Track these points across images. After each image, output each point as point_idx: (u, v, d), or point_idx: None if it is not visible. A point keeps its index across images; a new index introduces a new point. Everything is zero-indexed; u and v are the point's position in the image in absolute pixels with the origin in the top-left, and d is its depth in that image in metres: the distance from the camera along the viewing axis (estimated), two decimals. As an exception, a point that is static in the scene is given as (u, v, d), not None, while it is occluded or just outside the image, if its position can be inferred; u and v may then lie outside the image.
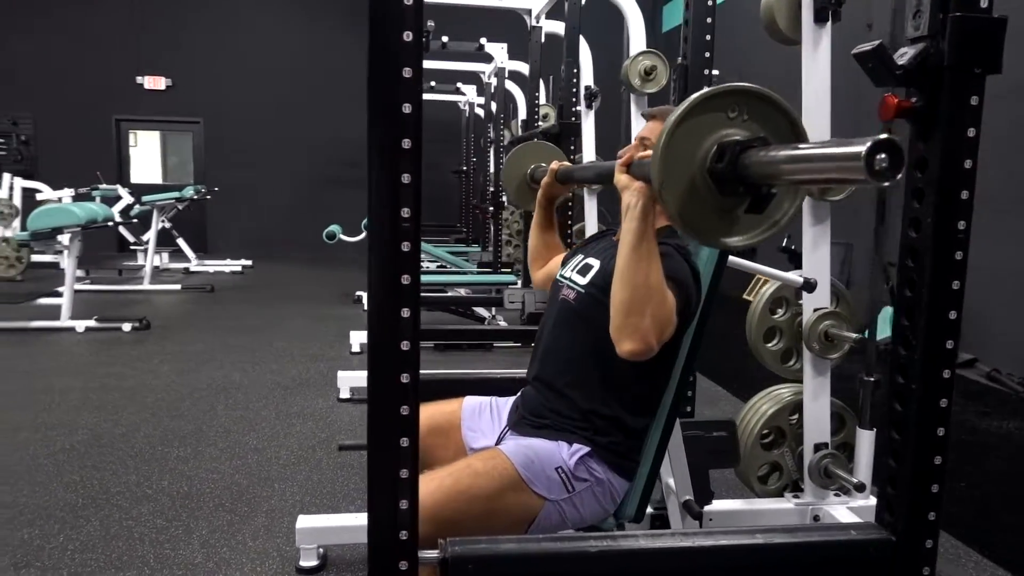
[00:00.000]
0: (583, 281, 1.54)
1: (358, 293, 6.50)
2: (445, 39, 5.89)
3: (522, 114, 6.76)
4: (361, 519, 2.06)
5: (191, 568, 2.07)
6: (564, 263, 1.69)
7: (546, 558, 1.11)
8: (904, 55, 1.09)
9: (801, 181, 0.91)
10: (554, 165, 1.80)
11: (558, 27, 4.56)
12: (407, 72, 0.98)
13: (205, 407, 3.49)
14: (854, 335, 2.18)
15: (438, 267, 6.95)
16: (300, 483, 2.65)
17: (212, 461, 2.84)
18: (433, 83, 7.43)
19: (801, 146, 0.90)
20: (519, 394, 1.66)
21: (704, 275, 1.50)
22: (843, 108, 2.39)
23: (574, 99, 3.72)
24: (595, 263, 1.55)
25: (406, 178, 1.00)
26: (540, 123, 4.84)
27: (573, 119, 3.70)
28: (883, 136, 0.77)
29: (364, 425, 2.86)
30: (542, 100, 6.40)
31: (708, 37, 2.07)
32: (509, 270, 6.34)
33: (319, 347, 4.81)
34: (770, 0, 2.20)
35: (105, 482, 2.63)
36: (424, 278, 6.58)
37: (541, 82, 5.76)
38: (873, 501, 2.31)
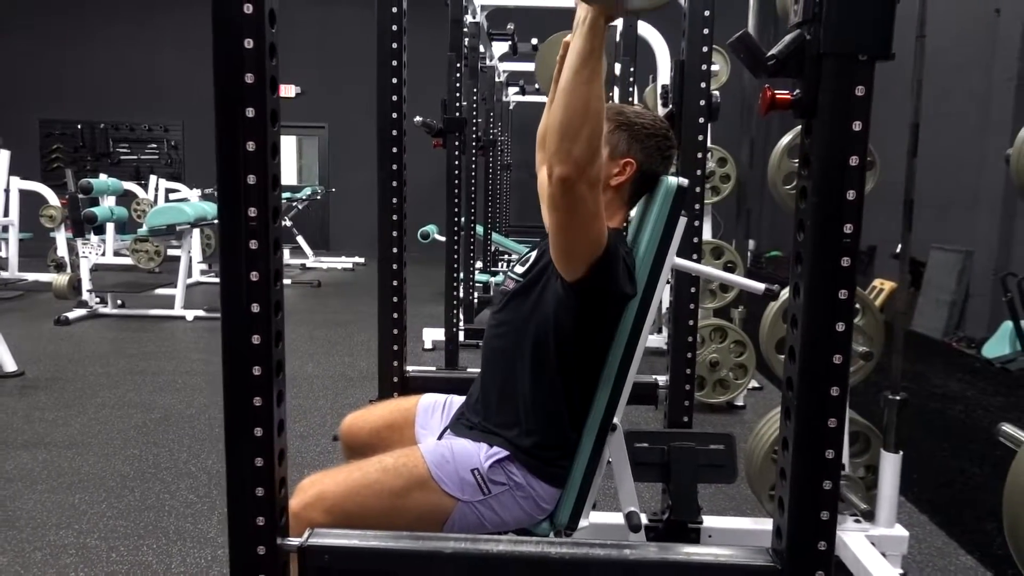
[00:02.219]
0: (521, 271, 1.53)
1: (449, 291, 6.66)
2: (535, 41, 5.92)
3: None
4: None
5: (203, 541, 2.23)
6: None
7: (401, 555, 1.12)
8: (781, 43, 1.01)
9: None
10: (567, 38, 1.73)
11: (646, 29, 4.47)
12: (249, 78, 1.01)
13: (270, 394, 3.72)
14: (863, 349, 2.01)
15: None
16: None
17: (257, 445, 3.02)
18: (523, 83, 7.46)
19: None
20: (469, 392, 1.67)
21: (639, 276, 1.44)
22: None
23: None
24: (534, 253, 1.54)
25: (251, 179, 1.03)
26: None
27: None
28: None
29: None
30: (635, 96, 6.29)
31: (706, 31, 1.97)
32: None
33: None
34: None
35: (159, 457, 2.87)
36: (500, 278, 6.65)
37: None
38: (900, 532, 2.12)
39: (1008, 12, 5.09)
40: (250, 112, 1.02)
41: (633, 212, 1.59)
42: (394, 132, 2.02)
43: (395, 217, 2.05)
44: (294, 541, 1.13)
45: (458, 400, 1.71)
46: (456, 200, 3.68)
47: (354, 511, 1.34)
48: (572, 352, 1.44)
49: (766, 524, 2.15)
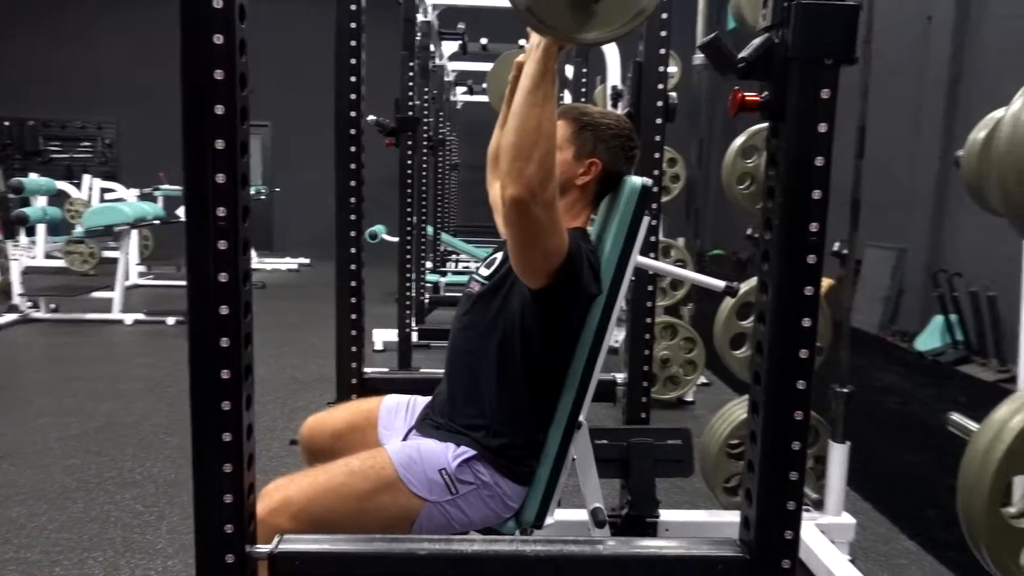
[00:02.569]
0: (486, 273, 1.53)
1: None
2: (484, 41, 5.92)
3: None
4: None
5: (152, 553, 2.16)
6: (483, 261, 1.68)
7: (375, 558, 1.11)
8: (751, 46, 1.04)
9: None
10: (519, 58, 1.73)
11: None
12: (218, 74, 0.99)
13: (218, 399, 3.63)
14: (818, 345, 2.07)
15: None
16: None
17: (206, 451, 2.94)
18: (471, 83, 7.45)
19: None
20: (434, 392, 1.66)
21: (604, 275, 1.46)
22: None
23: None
24: (499, 256, 1.54)
25: (220, 178, 1.01)
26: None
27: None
28: None
29: None
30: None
31: (664, 33, 2.00)
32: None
33: (346, 344, 4.91)
34: (737, -6, 2.13)
35: (102, 467, 2.77)
36: (460, 278, 6.62)
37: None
38: (847, 520, 2.19)
39: (939, 19, 5.32)
40: (219, 109, 1.00)
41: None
42: (352, 131, 1.99)
43: (353, 217, 2.02)
44: (263, 548, 1.10)
45: (422, 401, 1.70)
46: (409, 200, 3.65)
47: (321, 515, 1.32)
48: (539, 353, 1.44)
49: (721, 516, 2.22)
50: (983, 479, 1.03)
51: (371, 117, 3.28)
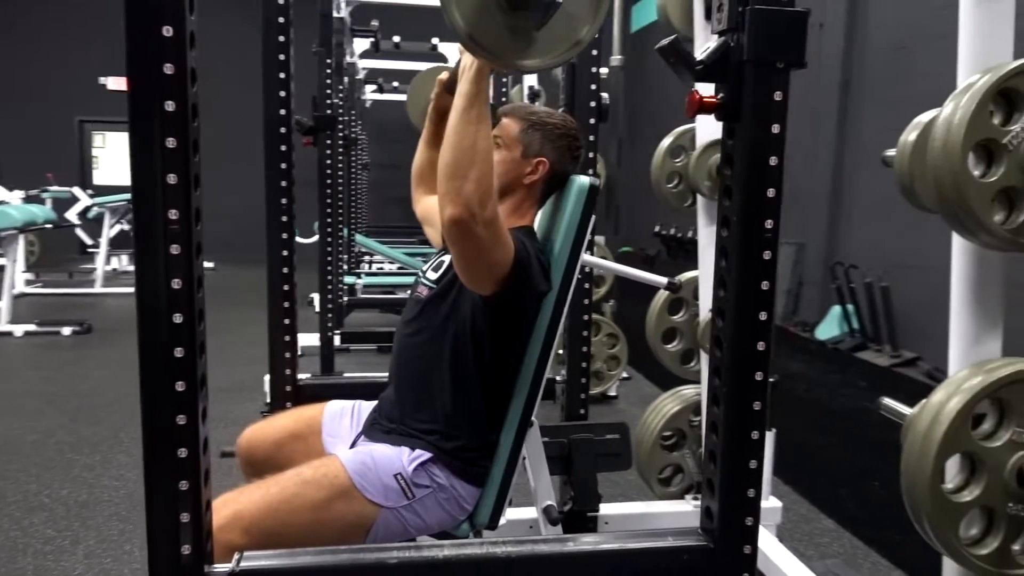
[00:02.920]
0: (434, 277, 1.51)
1: (311, 295, 6.42)
2: (397, 39, 5.84)
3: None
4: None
5: (70, 580, 2.02)
6: (426, 262, 1.65)
7: (343, 570, 1.07)
8: (707, 49, 1.07)
9: None
10: (441, 76, 1.72)
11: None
12: (168, 68, 0.93)
13: (126, 413, 3.43)
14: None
15: (398, 268, 6.92)
16: (214, 489, 2.59)
17: (119, 468, 2.78)
18: (382, 81, 7.35)
19: None
20: (380, 397, 1.63)
21: (555, 272, 1.47)
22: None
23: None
24: (447, 258, 1.52)
25: (171, 179, 0.95)
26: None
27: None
28: None
29: None
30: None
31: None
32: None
33: (261, 350, 4.74)
34: (663, -2, 2.18)
35: (4, 490, 2.57)
36: (376, 279, 6.53)
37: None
38: (774, 503, 2.29)
39: (830, 26, 5.64)
40: (170, 106, 0.94)
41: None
42: (282, 129, 1.92)
43: (284, 219, 1.95)
44: (222, 568, 1.05)
45: (367, 406, 1.66)
46: (328, 201, 3.56)
47: (274, 528, 1.27)
48: (491, 355, 1.44)
49: (657, 507, 2.28)
50: (925, 460, 1.09)
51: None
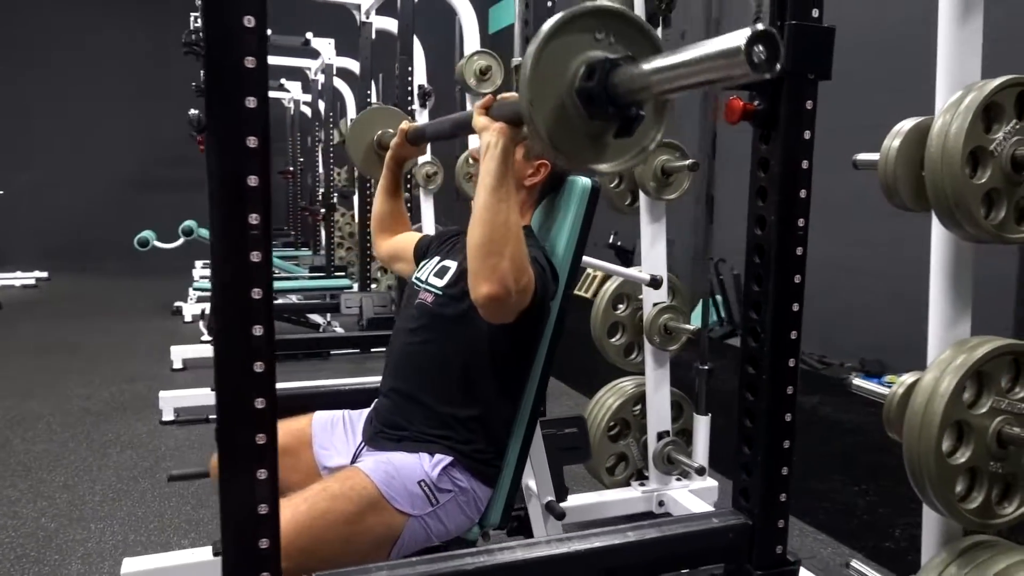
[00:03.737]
0: (441, 283, 1.49)
1: (176, 304, 5.99)
2: (268, 32, 5.57)
3: (351, 112, 6.57)
4: (199, 555, 1.89)
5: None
6: (419, 266, 1.62)
7: (421, 582, 1.05)
8: (752, 55, 1.14)
9: (676, 89, 0.90)
10: (403, 125, 1.73)
11: (388, 23, 4.47)
12: (250, 62, 0.87)
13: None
14: (691, 327, 2.29)
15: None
16: (122, 520, 2.37)
17: (11, 505, 2.47)
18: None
19: (671, 53, 0.87)
20: (372, 406, 1.58)
21: (560, 273, 1.50)
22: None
23: (409, 98, 3.64)
24: (452, 264, 1.50)
25: (252, 180, 0.89)
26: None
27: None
28: (759, 27, 0.77)
29: (194, 449, 2.68)
30: (372, 99, 6.26)
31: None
32: (343, 274, 6.14)
33: (135, 365, 4.38)
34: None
35: None
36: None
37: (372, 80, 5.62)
38: (711, 483, 2.45)
39: (692, 34, 6.04)
40: (251, 102, 0.88)
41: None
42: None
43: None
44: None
45: (357, 415, 1.61)
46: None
47: (308, 546, 1.21)
48: (506, 360, 1.44)
49: (609, 496, 2.36)
50: (927, 432, 1.23)
51: (193, 111, 2.99)
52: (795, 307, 1.20)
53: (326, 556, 1.22)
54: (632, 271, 2.15)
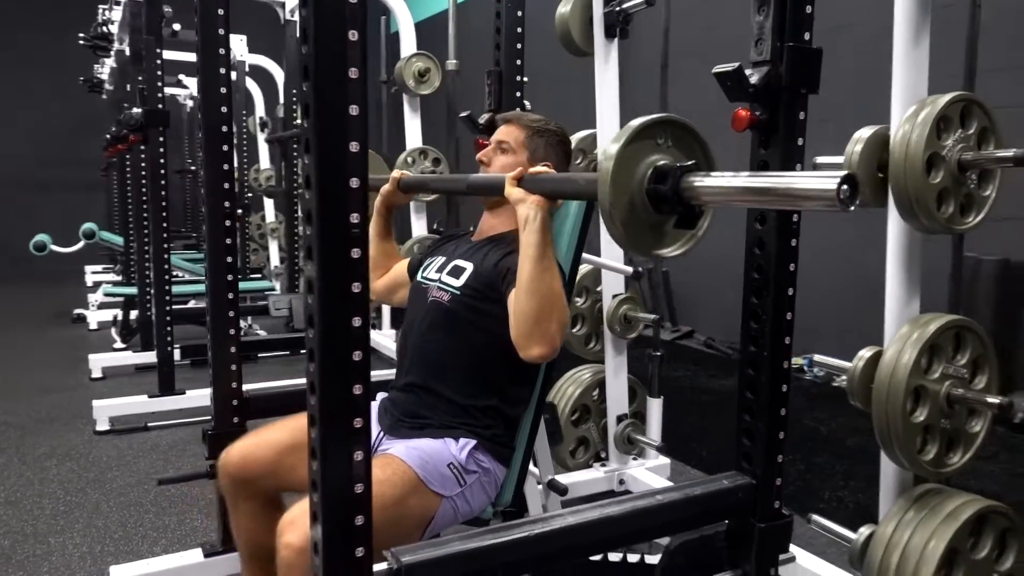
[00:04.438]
0: (458, 283, 1.56)
1: (77, 311, 5.67)
2: (177, 27, 5.38)
3: (260, 111, 6.41)
4: (189, 558, 1.88)
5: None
6: (425, 266, 1.69)
7: (493, 550, 1.14)
8: (753, 76, 1.30)
9: (757, 206, 1.02)
10: (396, 174, 1.80)
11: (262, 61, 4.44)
12: (353, 73, 0.94)
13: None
14: (650, 316, 2.47)
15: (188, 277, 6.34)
16: (82, 532, 2.29)
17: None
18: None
19: (759, 177, 0.99)
20: (381, 401, 1.65)
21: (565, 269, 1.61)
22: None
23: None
24: (467, 265, 1.58)
25: (354, 183, 0.96)
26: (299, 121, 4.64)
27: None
28: (845, 173, 0.88)
29: (140, 457, 2.68)
30: (280, 99, 6.13)
31: (519, 46, 2.20)
32: (260, 276, 6.00)
33: (45, 376, 4.14)
34: (564, 13, 2.40)
35: None
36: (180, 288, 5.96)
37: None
38: (664, 460, 2.64)
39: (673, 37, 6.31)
40: (354, 110, 0.95)
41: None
42: (223, 128, 1.81)
43: (228, 223, 1.84)
44: (382, 566, 1.07)
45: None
46: (154, 205, 3.25)
47: (360, 530, 1.27)
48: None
49: (575, 478, 2.50)
50: (895, 398, 1.42)
51: (135, 110, 2.90)
52: (790, 291, 1.37)
53: (378, 538, 1.28)
54: (619, 264, 2.30)
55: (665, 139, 1.07)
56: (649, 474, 2.52)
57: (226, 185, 1.83)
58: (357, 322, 0.98)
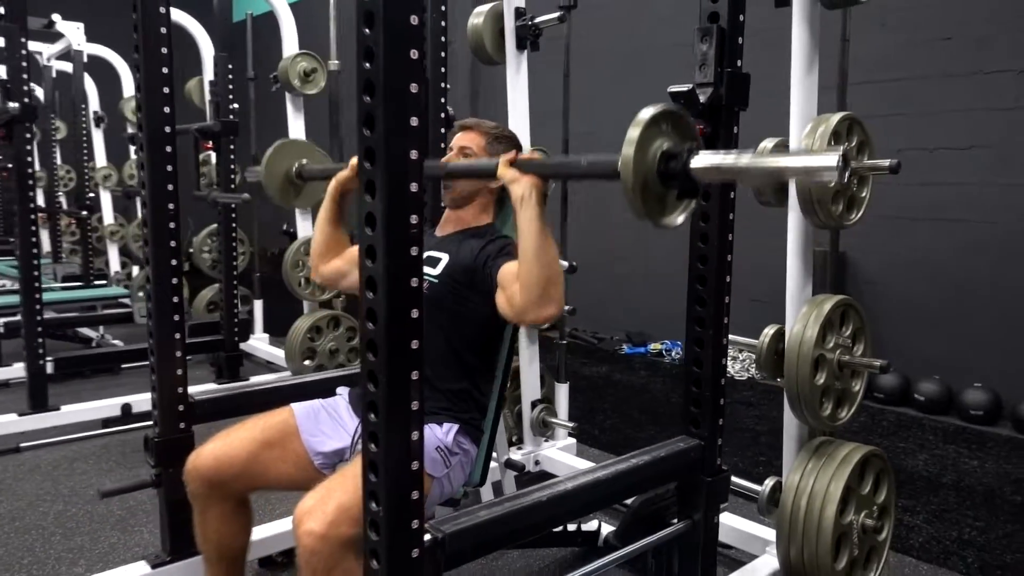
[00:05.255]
0: (435, 271, 1.66)
1: None
2: (57, 17, 4.89)
3: (94, 105, 5.93)
4: (133, 571, 1.82)
5: None
6: None
7: (515, 515, 1.28)
8: (703, 95, 1.53)
9: (760, 182, 1.21)
10: (354, 161, 1.85)
11: (179, 16, 4.23)
12: (414, 54, 1.04)
13: None
14: (566, 307, 2.67)
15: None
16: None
17: None
18: None
19: (768, 156, 1.16)
20: (350, 393, 1.72)
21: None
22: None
23: (231, 96, 3.55)
24: (442, 255, 1.68)
25: (414, 187, 1.06)
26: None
27: (232, 116, 3.53)
28: (840, 149, 1.10)
29: (18, 480, 2.60)
30: (127, 93, 5.72)
31: (443, 54, 2.31)
32: (104, 282, 5.58)
33: None
34: (477, 24, 2.54)
35: None
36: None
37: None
38: (571, 440, 2.86)
39: (457, 44, 6.47)
40: (414, 122, 1.05)
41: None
42: (167, 129, 1.78)
43: (172, 225, 1.81)
44: (429, 536, 1.17)
45: (331, 402, 1.72)
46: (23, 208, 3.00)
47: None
48: (489, 341, 1.69)
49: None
50: (803, 365, 1.72)
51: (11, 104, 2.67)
52: (727, 279, 1.62)
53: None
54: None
55: (667, 125, 1.24)
56: (562, 453, 2.73)
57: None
58: (415, 313, 1.08)
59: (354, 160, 1.87)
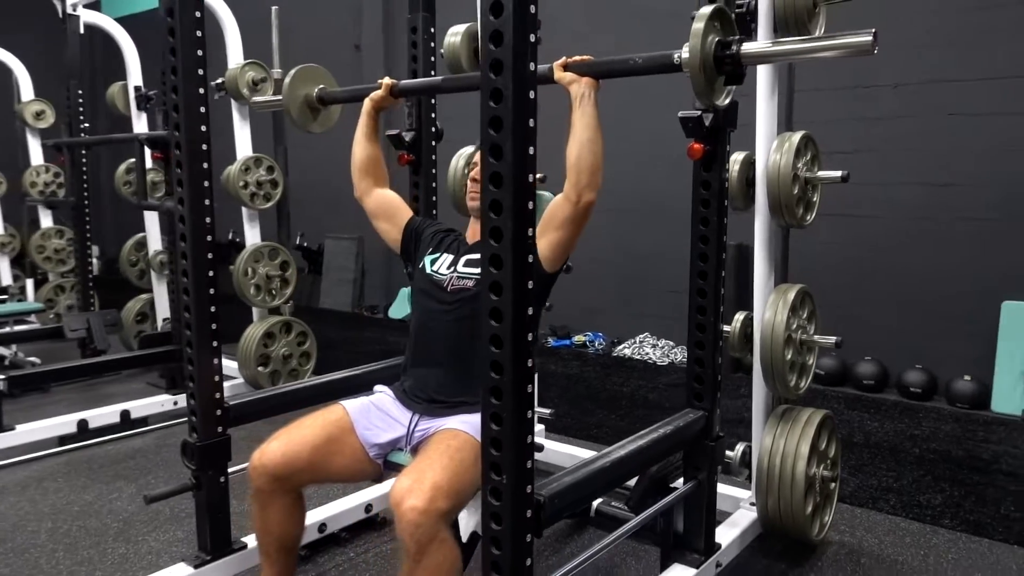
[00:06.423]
0: (475, 270, 1.82)
1: None
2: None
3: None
4: (176, 574, 1.89)
5: None
6: (430, 258, 1.92)
7: (590, 479, 1.51)
8: (706, 119, 1.81)
9: (802, 59, 1.50)
10: (387, 81, 2.04)
11: (98, 18, 4.11)
12: (532, 66, 1.24)
13: None
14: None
15: None
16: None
17: None
18: None
19: (809, 39, 1.50)
20: (403, 384, 1.87)
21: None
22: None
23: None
24: (475, 256, 1.85)
25: (530, 205, 1.26)
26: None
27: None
28: (873, 29, 1.37)
29: (31, 494, 2.62)
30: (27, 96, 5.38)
31: (432, 72, 2.48)
32: (5, 296, 5.25)
33: None
34: (454, 43, 2.72)
35: None
36: None
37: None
38: (539, 427, 3.10)
39: (367, 48, 6.55)
40: (531, 123, 1.25)
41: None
42: (204, 146, 1.87)
43: (209, 238, 1.89)
44: (540, 496, 1.38)
45: (376, 399, 1.87)
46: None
47: (459, 488, 1.54)
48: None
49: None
50: (777, 345, 2.06)
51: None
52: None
53: (465, 493, 1.56)
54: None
55: (718, 22, 1.50)
56: (539, 439, 2.96)
57: None
58: (531, 311, 1.29)
59: (385, 80, 2.04)
